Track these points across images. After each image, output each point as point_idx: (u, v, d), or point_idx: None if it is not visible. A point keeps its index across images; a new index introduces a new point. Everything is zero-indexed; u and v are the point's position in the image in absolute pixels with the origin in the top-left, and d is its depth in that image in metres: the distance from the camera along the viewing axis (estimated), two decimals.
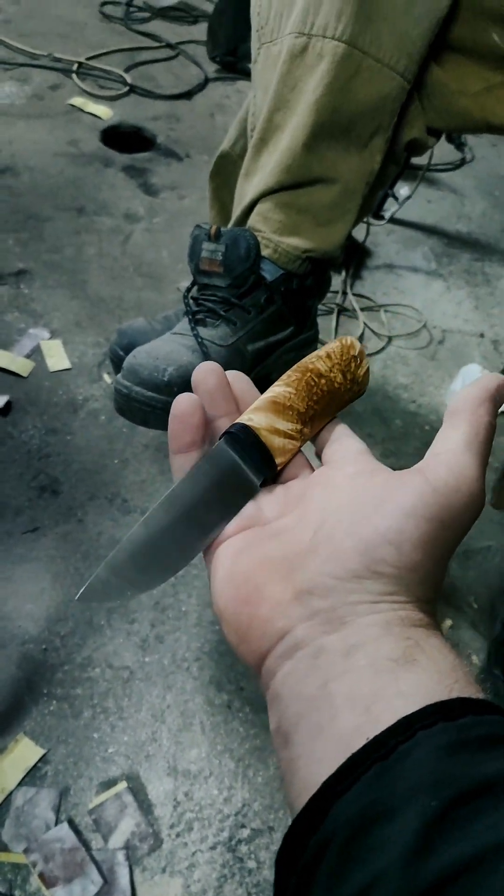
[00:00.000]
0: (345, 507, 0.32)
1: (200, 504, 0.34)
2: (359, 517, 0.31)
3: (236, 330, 0.95)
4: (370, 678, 0.27)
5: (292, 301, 1.00)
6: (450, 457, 0.31)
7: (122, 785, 0.82)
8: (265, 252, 0.95)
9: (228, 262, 0.93)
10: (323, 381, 0.36)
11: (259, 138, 0.94)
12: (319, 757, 0.26)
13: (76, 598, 0.33)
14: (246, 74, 2.13)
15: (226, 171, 1.13)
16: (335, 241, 0.98)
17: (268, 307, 0.98)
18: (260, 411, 0.35)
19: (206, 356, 0.89)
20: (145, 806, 0.81)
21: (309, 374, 0.36)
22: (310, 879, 0.25)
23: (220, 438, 0.36)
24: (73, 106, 1.90)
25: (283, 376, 0.37)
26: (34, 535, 1.02)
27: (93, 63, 2.06)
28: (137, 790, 0.82)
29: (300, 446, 0.37)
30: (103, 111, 1.89)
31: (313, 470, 0.37)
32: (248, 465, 0.35)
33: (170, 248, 1.54)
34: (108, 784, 0.82)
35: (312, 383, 0.36)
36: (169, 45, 2.24)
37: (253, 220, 0.96)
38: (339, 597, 0.30)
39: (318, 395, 0.36)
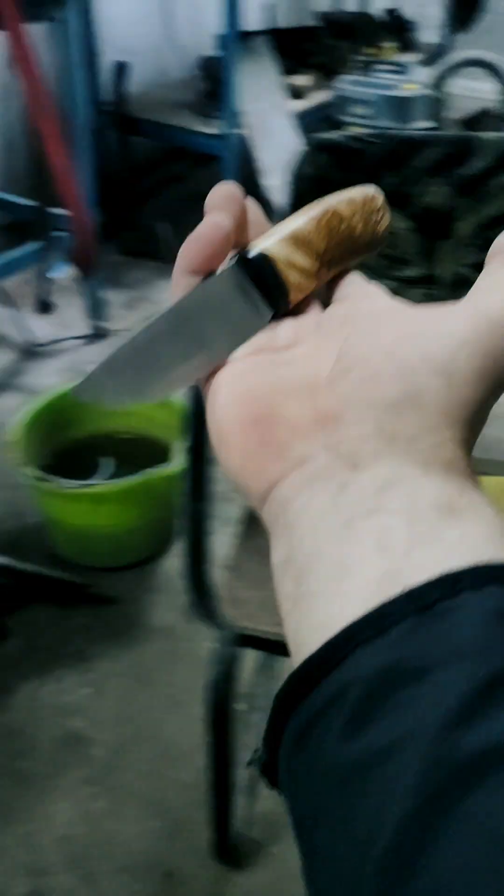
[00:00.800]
0: (380, 331, 0.28)
1: (206, 322, 0.31)
2: (401, 340, 0.26)
3: None
4: (406, 522, 0.23)
5: None
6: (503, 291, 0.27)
7: None
8: None
9: None
10: (344, 225, 0.34)
11: None
12: (342, 597, 0.23)
13: (71, 390, 0.32)
14: None
15: None
16: None
17: None
18: (276, 239, 0.32)
19: None
20: None
21: (331, 213, 0.33)
22: (317, 724, 0.21)
23: (231, 260, 0.32)
24: None
25: (301, 211, 0.34)
26: None
27: None
28: None
29: (314, 289, 0.33)
30: None
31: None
32: (261, 294, 0.32)
33: None
34: None
35: (334, 224, 0.33)
36: None
37: None
38: (373, 426, 0.25)
39: (337, 238, 0.33)
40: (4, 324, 2.29)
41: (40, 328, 2.15)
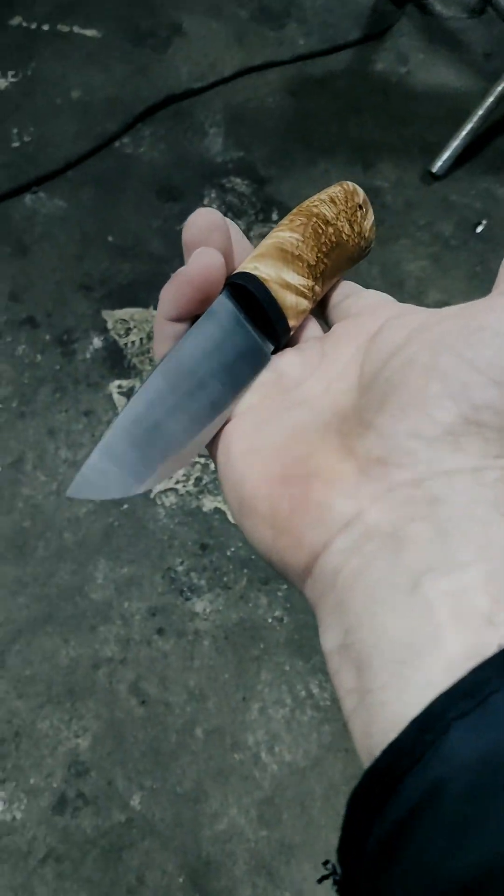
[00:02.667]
0: (408, 343, 0.23)
1: (205, 374, 0.27)
2: (441, 353, 0.22)
3: None
4: (484, 578, 0.19)
5: None
6: None
7: None
8: None
9: None
10: (331, 229, 0.30)
11: None
12: (418, 687, 0.18)
13: (66, 493, 0.27)
14: None
15: None
16: None
17: None
18: (266, 259, 0.29)
19: None
20: None
21: (315, 219, 0.30)
22: (412, 832, 0.17)
23: (221, 291, 0.28)
24: None
25: (285, 220, 0.30)
26: None
27: None
28: None
29: (311, 308, 0.30)
30: None
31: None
32: (258, 326, 0.28)
33: None
34: None
35: (320, 231, 0.30)
36: None
37: None
38: (427, 465, 0.21)
39: (327, 246, 0.30)
40: None
41: None
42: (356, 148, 1.26)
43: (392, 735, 0.18)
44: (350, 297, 0.30)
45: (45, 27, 1.39)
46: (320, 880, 0.22)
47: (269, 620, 0.92)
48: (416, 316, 0.25)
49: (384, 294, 0.29)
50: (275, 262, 0.29)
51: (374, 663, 0.20)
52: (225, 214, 0.32)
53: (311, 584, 0.23)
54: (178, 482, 1.01)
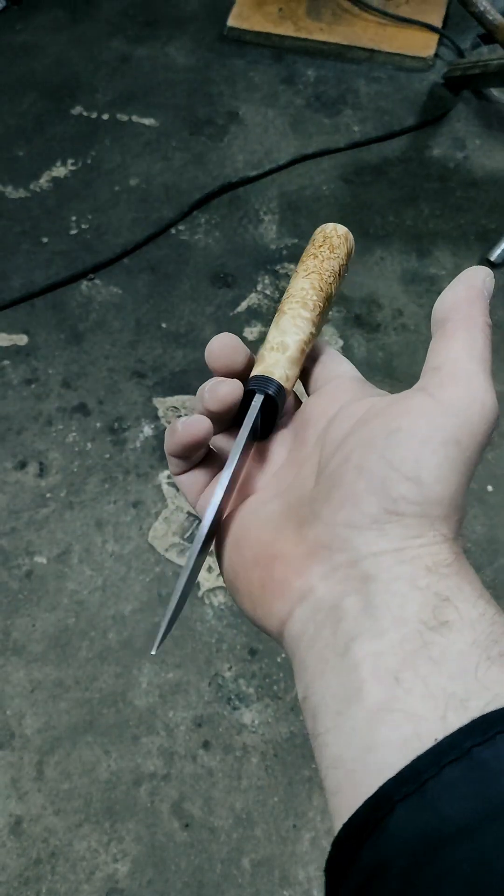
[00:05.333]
0: (348, 442, 0.28)
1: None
2: (367, 453, 0.26)
3: None
4: (395, 643, 0.23)
5: None
6: (452, 368, 0.26)
7: None
8: None
9: None
10: (342, 276, 0.34)
11: None
12: (347, 734, 0.23)
13: (152, 652, 0.30)
14: None
15: None
16: None
17: None
18: (294, 364, 0.32)
19: None
20: None
21: (332, 279, 0.33)
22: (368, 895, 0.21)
23: (254, 397, 0.32)
24: None
25: (309, 304, 0.33)
26: None
27: None
28: None
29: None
30: None
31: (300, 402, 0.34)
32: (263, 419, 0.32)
33: None
34: None
35: (333, 289, 0.33)
36: None
37: None
38: (359, 549, 0.26)
39: (326, 303, 0.33)
40: None
41: None
42: (412, 236, 1.25)
43: (332, 778, 0.23)
44: (322, 366, 0.33)
45: (105, 116, 1.43)
46: None
47: None
48: (360, 405, 0.29)
49: (348, 368, 0.33)
50: (297, 363, 0.32)
51: (321, 712, 0.24)
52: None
53: (285, 644, 0.27)
54: None
